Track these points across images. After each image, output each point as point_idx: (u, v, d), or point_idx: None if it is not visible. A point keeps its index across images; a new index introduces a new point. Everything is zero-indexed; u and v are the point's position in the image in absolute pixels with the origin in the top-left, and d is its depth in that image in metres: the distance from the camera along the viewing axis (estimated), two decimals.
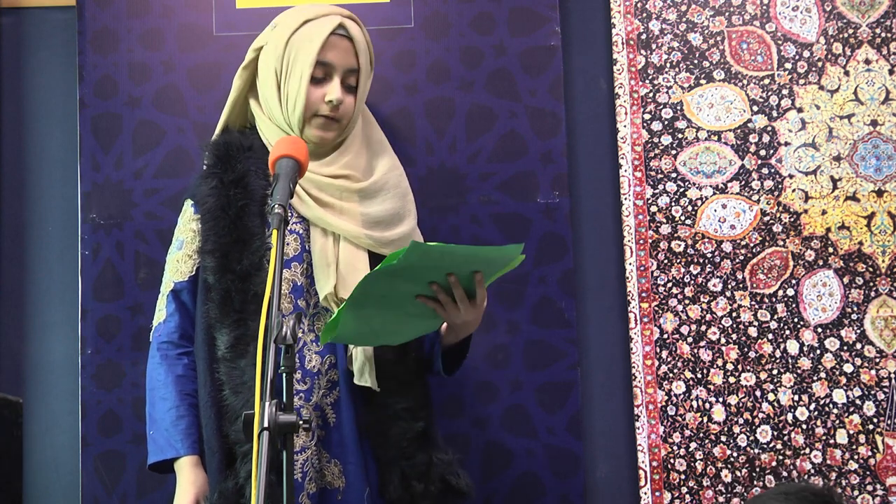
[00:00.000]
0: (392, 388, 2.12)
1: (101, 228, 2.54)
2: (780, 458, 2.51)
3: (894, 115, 2.60)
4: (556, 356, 2.54)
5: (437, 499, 2.13)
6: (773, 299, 2.55)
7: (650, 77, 2.61)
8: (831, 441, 2.51)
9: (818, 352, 2.53)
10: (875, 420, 2.51)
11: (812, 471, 2.50)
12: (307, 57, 2.12)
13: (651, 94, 2.61)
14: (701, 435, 2.52)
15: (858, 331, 2.54)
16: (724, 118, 2.60)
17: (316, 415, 2.10)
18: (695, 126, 2.60)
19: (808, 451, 2.51)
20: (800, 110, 2.60)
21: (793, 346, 2.54)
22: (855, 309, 2.54)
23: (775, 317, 2.54)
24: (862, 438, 2.51)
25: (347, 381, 2.12)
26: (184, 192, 2.30)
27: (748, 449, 2.51)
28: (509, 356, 2.54)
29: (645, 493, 2.51)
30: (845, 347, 2.53)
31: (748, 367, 2.53)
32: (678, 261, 2.57)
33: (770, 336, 2.54)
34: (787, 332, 2.54)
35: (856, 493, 2.50)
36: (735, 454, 2.51)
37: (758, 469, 2.51)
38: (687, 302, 2.55)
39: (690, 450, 2.52)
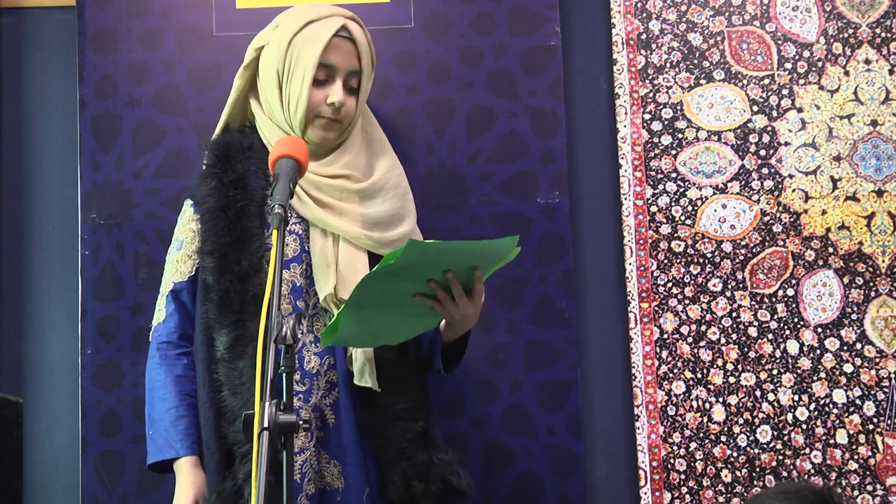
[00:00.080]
0: (392, 388, 2.11)
1: (101, 228, 2.54)
2: (780, 458, 2.51)
3: (894, 115, 2.60)
4: (556, 356, 2.54)
5: (437, 499, 2.13)
6: (773, 299, 2.55)
7: (650, 77, 2.61)
8: (831, 441, 2.51)
9: (818, 352, 2.53)
10: (875, 420, 2.51)
11: (812, 471, 2.50)
12: (310, 59, 2.11)
13: (651, 94, 2.61)
14: (701, 435, 2.52)
15: (858, 331, 2.54)
16: (724, 118, 2.60)
17: (315, 416, 2.10)
18: (695, 126, 2.60)
19: (808, 451, 2.51)
20: (800, 110, 2.60)
21: (793, 346, 2.54)
22: (855, 309, 2.54)
23: (775, 317, 2.54)
24: (862, 438, 2.51)
25: (346, 382, 2.11)
26: (184, 191, 2.30)
27: (748, 449, 2.51)
28: (509, 356, 2.54)
29: (645, 493, 2.51)
30: (845, 347, 2.53)
31: (748, 367, 2.53)
32: (678, 261, 2.57)
33: (770, 336, 2.54)
34: (787, 332, 2.54)
35: (856, 493, 2.50)
36: (735, 454, 2.51)
37: (758, 469, 2.51)
38: (687, 302, 2.55)
39: (690, 450, 2.52)
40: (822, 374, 2.53)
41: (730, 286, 2.56)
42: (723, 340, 2.54)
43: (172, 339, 2.18)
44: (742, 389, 2.53)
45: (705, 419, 2.52)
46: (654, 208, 2.58)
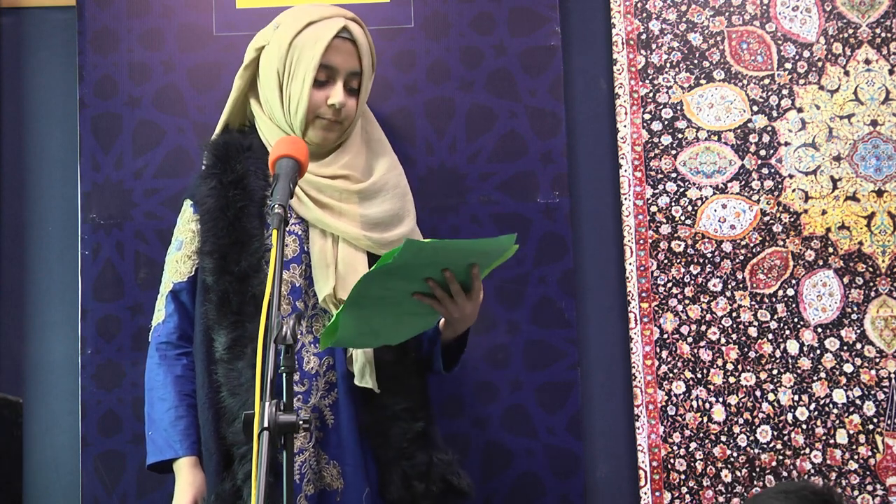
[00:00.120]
0: (391, 388, 2.11)
1: (101, 228, 2.54)
2: (780, 458, 2.51)
3: (894, 115, 2.60)
4: (556, 356, 2.54)
5: (438, 499, 2.13)
6: (773, 299, 2.55)
7: (650, 77, 2.61)
8: (831, 441, 2.51)
9: (818, 352, 2.53)
10: (875, 420, 2.51)
11: (812, 471, 2.50)
12: (311, 60, 2.11)
13: (651, 94, 2.61)
14: (701, 435, 2.52)
15: (858, 331, 2.54)
16: (724, 118, 2.60)
17: (314, 416, 2.10)
18: (695, 126, 2.60)
19: (808, 451, 2.51)
20: (800, 110, 2.60)
21: (793, 346, 2.54)
22: (855, 309, 2.54)
23: (775, 317, 2.54)
24: (862, 438, 2.51)
25: (346, 383, 2.11)
26: (184, 191, 2.30)
27: (748, 449, 2.51)
28: (509, 356, 2.54)
29: (645, 493, 2.51)
30: (845, 347, 2.53)
31: (748, 367, 2.53)
32: (678, 261, 2.57)
33: (770, 336, 2.54)
34: (787, 332, 2.54)
35: (856, 493, 2.50)
36: (735, 454, 2.51)
37: (758, 469, 2.51)
38: (687, 302, 2.55)
39: (690, 450, 2.52)
40: (822, 374, 2.53)
41: (730, 286, 2.56)
42: (723, 340, 2.54)
43: (172, 339, 2.18)
44: (742, 389, 2.53)
45: (705, 419, 2.52)
46: (654, 208, 2.58)
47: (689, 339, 2.54)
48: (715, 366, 2.54)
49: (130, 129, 2.57)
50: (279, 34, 2.15)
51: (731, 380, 2.53)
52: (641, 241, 2.57)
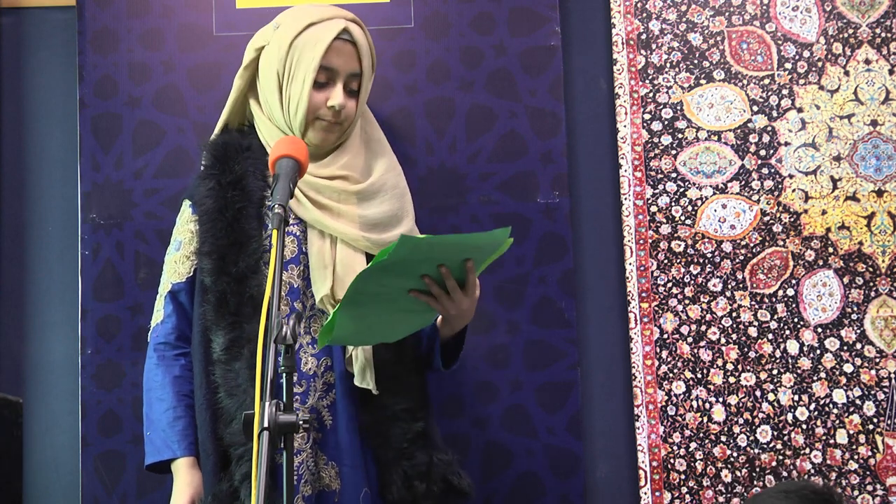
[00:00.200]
0: (391, 388, 2.11)
1: (101, 228, 2.54)
2: (780, 458, 2.51)
3: (894, 115, 2.60)
4: (556, 356, 2.54)
5: (438, 499, 2.13)
6: (773, 299, 2.55)
7: (650, 77, 2.61)
8: (831, 441, 2.51)
9: (818, 352, 2.53)
10: (875, 420, 2.51)
11: (812, 471, 2.50)
12: (311, 62, 2.11)
13: (651, 94, 2.61)
14: (701, 435, 2.52)
15: (858, 331, 2.54)
16: (724, 118, 2.60)
17: (312, 417, 2.09)
18: (695, 126, 2.60)
19: (808, 451, 2.51)
20: (800, 110, 2.60)
21: (793, 346, 2.54)
22: (855, 309, 2.54)
23: (775, 317, 2.54)
24: (862, 438, 2.51)
25: (344, 383, 2.11)
26: (183, 191, 2.30)
27: (748, 449, 2.51)
28: (509, 356, 2.54)
29: (645, 493, 2.51)
30: (845, 347, 2.53)
31: (748, 367, 2.53)
32: (678, 261, 2.57)
33: (770, 336, 2.54)
34: (787, 332, 2.54)
35: (856, 493, 2.50)
36: (735, 454, 2.51)
37: (758, 469, 2.51)
38: (687, 302, 2.55)
39: (690, 450, 2.52)
40: (822, 374, 2.53)
41: (730, 286, 2.56)
42: (723, 340, 2.54)
43: (170, 339, 2.18)
44: (742, 389, 2.53)
45: (705, 419, 2.52)
46: (654, 208, 2.58)
47: (689, 339, 2.55)
48: (715, 366, 2.54)
49: (130, 129, 2.57)
50: (279, 35, 2.15)
51: (731, 380, 2.53)
52: (641, 241, 2.57)
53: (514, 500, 2.50)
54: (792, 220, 2.57)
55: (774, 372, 2.53)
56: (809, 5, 2.62)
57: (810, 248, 2.56)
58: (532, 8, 2.62)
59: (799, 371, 2.53)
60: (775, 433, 2.51)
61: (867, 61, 2.61)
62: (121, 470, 2.48)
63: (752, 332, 2.54)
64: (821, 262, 2.56)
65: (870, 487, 2.50)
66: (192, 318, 2.16)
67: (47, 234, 2.60)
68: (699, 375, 2.53)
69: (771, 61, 2.61)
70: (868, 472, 2.50)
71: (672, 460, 2.51)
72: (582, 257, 2.60)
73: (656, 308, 2.55)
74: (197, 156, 2.50)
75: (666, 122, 2.60)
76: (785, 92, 2.60)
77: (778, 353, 2.53)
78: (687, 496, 2.50)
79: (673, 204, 2.58)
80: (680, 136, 2.60)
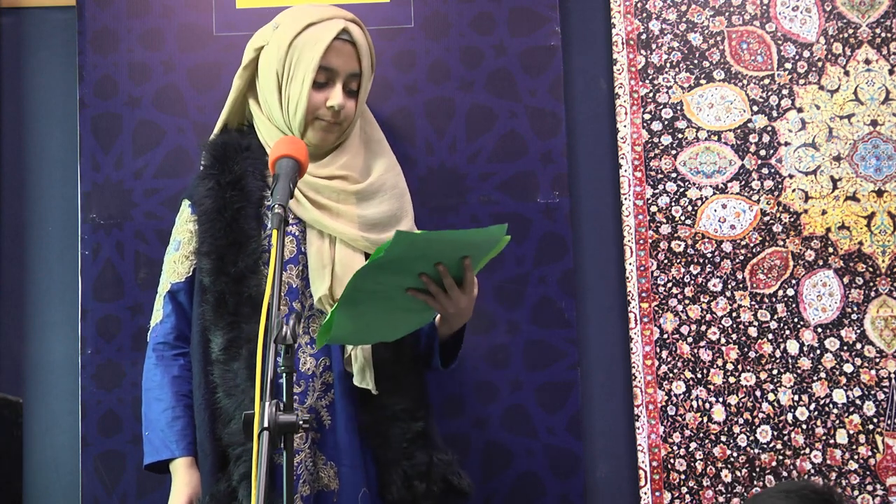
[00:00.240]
0: (390, 388, 2.11)
1: (101, 228, 2.54)
2: (780, 458, 2.51)
3: (894, 115, 2.60)
4: (556, 356, 2.54)
5: (438, 499, 2.13)
6: (773, 299, 2.55)
7: (650, 77, 2.61)
8: (831, 441, 2.51)
9: (818, 352, 2.53)
10: (875, 420, 2.51)
11: (812, 471, 2.50)
12: (310, 62, 2.11)
13: (651, 94, 2.61)
14: (701, 435, 2.52)
15: (858, 331, 2.54)
16: (724, 118, 2.60)
17: (311, 417, 2.09)
18: (695, 126, 2.60)
19: (808, 451, 2.51)
20: (800, 110, 2.60)
21: (793, 346, 2.54)
22: (855, 309, 2.54)
23: (775, 317, 2.54)
24: (862, 438, 2.51)
25: (342, 383, 2.11)
26: (183, 191, 2.30)
27: (748, 449, 2.51)
28: (509, 356, 2.54)
29: (645, 493, 2.51)
30: (845, 347, 2.53)
31: (748, 367, 2.53)
32: (678, 261, 2.57)
33: (770, 336, 2.54)
34: (787, 332, 2.54)
35: (856, 493, 2.50)
36: (735, 454, 2.51)
37: (758, 469, 2.51)
38: (687, 302, 2.55)
39: (690, 450, 2.52)
40: (822, 374, 2.53)
41: (730, 286, 2.56)
42: (723, 340, 2.54)
43: (169, 339, 2.18)
44: (742, 389, 2.53)
45: (705, 419, 2.52)
46: (654, 208, 2.58)
47: (689, 339, 2.54)
48: (715, 366, 2.54)
49: (130, 129, 2.57)
50: (278, 35, 2.15)
51: (731, 380, 2.53)
52: (641, 241, 2.57)
53: (514, 500, 2.50)
54: (792, 220, 2.57)
55: (774, 372, 2.53)
56: (809, 5, 2.62)
57: (810, 248, 2.56)
58: (532, 8, 2.62)
59: (799, 371, 2.53)
60: (775, 433, 2.51)
61: (867, 61, 2.61)
62: (121, 470, 2.48)
63: (752, 332, 2.54)
64: (821, 262, 2.56)
65: (870, 487, 2.50)
66: (191, 317, 2.16)
67: (47, 234, 2.60)
68: (699, 375, 2.53)
69: (771, 61, 2.61)
70: (868, 472, 2.50)
71: (672, 460, 2.51)
72: (582, 257, 2.60)
73: (656, 308, 2.55)
74: (197, 156, 2.50)
75: (666, 122, 2.60)
76: (785, 92, 2.60)
77: (778, 353, 2.53)
78: (687, 496, 2.50)
79: (673, 204, 2.58)
80: (680, 136, 2.60)
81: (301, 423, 1.57)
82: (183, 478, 2.11)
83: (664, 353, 2.54)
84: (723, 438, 2.52)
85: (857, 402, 2.52)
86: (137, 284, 2.52)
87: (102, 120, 2.57)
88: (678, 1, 2.63)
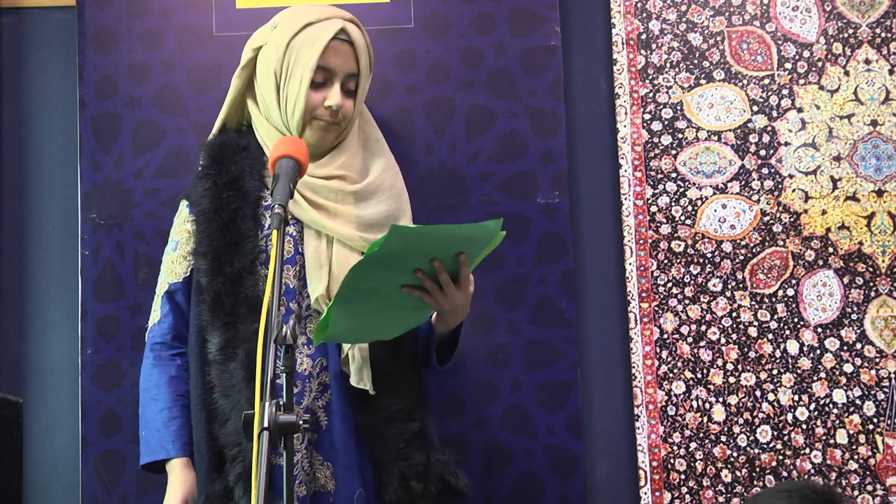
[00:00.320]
0: (387, 389, 2.11)
1: (101, 228, 2.54)
2: (780, 458, 2.51)
3: (894, 115, 2.60)
4: (556, 356, 2.54)
5: (436, 499, 2.13)
6: (773, 299, 2.55)
7: (650, 77, 2.61)
8: (831, 441, 2.51)
9: (818, 352, 2.53)
10: (875, 420, 2.51)
11: (812, 471, 2.50)
12: (308, 62, 2.11)
13: (651, 94, 2.61)
14: (701, 435, 2.52)
15: (858, 331, 2.54)
16: (724, 118, 2.60)
17: (308, 418, 2.09)
18: (695, 126, 2.60)
19: (808, 451, 2.51)
20: (800, 110, 2.60)
21: (793, 346, 2.54)
22: (855, 309, 2.54)
23: (775, 317, 2.54)
24: (862, 438, 2.51)
25: (339, 384, 2.11)
26: (182, 191, 2.30)
27: (748, 449, 2.51)
28: (509, 356, 2.54)
29: (645, 493, 2.51)
30: (845, 347, 2.53)
31: (748, 367, 2.53)
32: (678, 261, 2.57)
33: (770, 336, 2.54)
34: (787, 332, 2.54)
35: (856, 493, 2.50)
36: (735, 454, 2.51)
37: (758, 469, 2.51)
38: (687, 302, 2.55)
39: (690, 450, 2.52)
40: (822, 374, 2.53)
41: (730, 286, 2.56)
42: (723, 340, 2.54)
43: (166, 339, 2.18)
44: (742, 389, 2.53)
45: (705, 419, 2.52)
46: (654, 208, 2.58)
47: (689, 339, 2.54)
48: (715, 366, 2.54)
49: (130, 129, 2.57)
50: (277, 35, 2.15)
51: (731, 380, 2.53)
52: (641, 241, 2.57)
53: (514, 500, 2.50)
54: (792, 220, 2.57)
55: (774, 372, 2.53)
56: (809, 5, 2.62)
57: (810, 248, 2.56)
58: (532, 8, 2.62)
59: (799, 371, 2.53)
60: (775, 433, 2.51)
61: (867, 61, 2.61)
62: (121, 470, 2.48)
63: (752, 332, 2.54)
64: (821, 262, 2.56)
65: (870, 487, 2.50)
66: (188, 318, 2.16)
67: (47, 234, 2.60)
68: (699, 375, 2.53)
69: (771, 61, 2.61)
70: (868, 472, 2.50)
71: (672, 460, 2.51)
72: (582, 257, 2.60)
73: (656, 308, 2.55)
74: (197, 156, 2.50)
75: (666, 122, 2.60)
76: (785, 92, 2.60)
77: (778, 353, 2.53)
78: (687, 496, 2.50)
79: (673, 204, 2.58)
80: (680, 136, 2.60)
81: (301, 423, 1.57)
82: (178, 478, 2.12)
83: (664, 353, 2.54)
84: (723, 438, 2.52)
85: (857, 402, 2.52)
86: (137, 284, 2.52)
87: (102, 120, 2.57)
88: (678, 1, 2.63)
